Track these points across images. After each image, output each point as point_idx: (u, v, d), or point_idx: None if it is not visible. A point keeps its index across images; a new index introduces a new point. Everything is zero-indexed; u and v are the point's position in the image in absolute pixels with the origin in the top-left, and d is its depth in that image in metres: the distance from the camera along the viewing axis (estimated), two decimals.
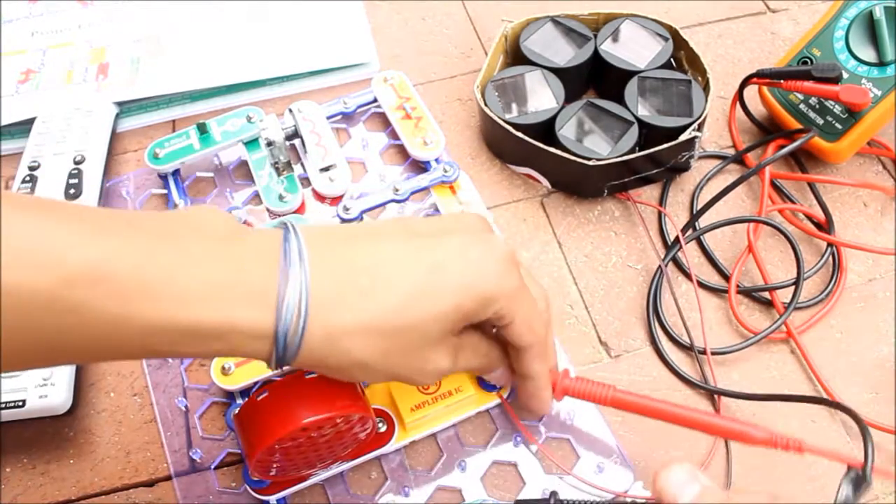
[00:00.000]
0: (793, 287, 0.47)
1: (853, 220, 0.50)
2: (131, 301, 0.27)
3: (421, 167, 0.52)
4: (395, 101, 0.54)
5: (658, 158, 0.49)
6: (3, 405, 0.41)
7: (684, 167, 0.51)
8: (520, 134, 0.49)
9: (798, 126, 0.51)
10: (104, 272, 0.26)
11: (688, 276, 0.48)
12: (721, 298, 0.48)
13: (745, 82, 0.52)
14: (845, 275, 0.48)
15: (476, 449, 0.42)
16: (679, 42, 0.53)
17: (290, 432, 0.33)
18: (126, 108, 0.56)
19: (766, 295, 0.47)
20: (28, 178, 0.50)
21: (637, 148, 0.49)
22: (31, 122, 0.53)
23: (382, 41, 0.59)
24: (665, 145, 0.48)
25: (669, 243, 0.49)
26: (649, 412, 0.38)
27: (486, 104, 0.51)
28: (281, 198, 0.49)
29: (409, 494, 0.41)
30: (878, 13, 0.48)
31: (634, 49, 0.52)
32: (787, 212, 0.50)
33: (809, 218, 0.50)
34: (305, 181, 0.51)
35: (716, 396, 0.44)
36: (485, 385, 0.43)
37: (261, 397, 0.34)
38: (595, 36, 0.53)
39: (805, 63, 0.50)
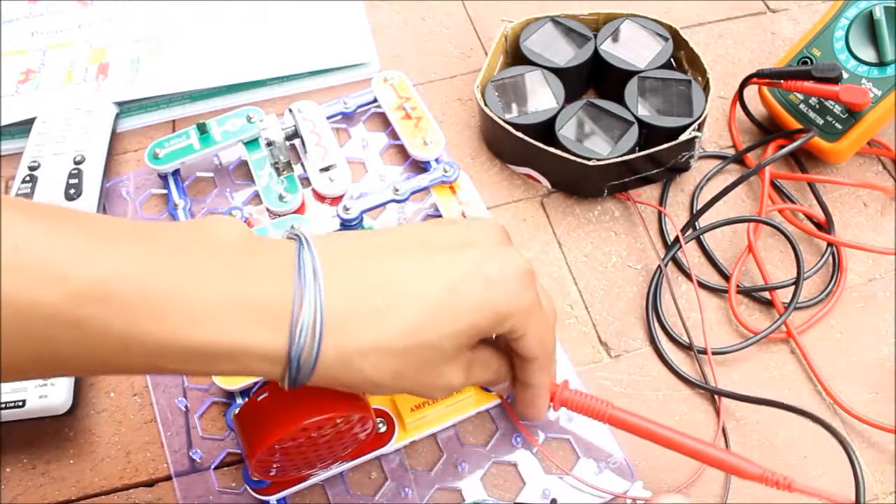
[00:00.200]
0: (793, 287, 0.47)
1: (853, 220, 0.50)
2: (138, 319, 0.26)
3: (421, 167, 0.52)
4: (395, 101, 0.54)
5: (658, 158, 0.49)
6: (3, 405, 0.41)
7: (684, 167, 0.51)
8: (520, 134, 0.49)
9: (798, 126, 0.51)
10: (111, 288, 0.26)
11: (688, 276, 0.48)
12: (721, 298, 0.48)
13: (745, 82, 0.52)
14: (845, 275, 0.48)
15: (476, 449, 0.42)
16: (679, 42, 0.53)
17: (290, 432, 0.33)
18: (126, 108, 0.56)
19: (766, 295, 0.47)
20: (28, 178, 0.50)
21: (637, 148, 0.49)
22: (31, 122, 0.53)
23: (382, 41, 0.59)
24: (665, 145, 0.48)
25: (669, 243, 0.49)
26: (643, 433, 0.38)
27: (486, 104, 0.51)
28: (281, 198, 0.49)
29: (409, 494, 0.41)
30: (878, 13, 0.48)
31: (634, 49, 0.52)
32: (787, 212, 0.50)
33: (809, 218, 0.50)
34: (305, 181, 0.51)
35: (716, 397, 0.44)
36: (484, 386, 0.43)
37: (261, 397, 0.34)
38: (595, 36, 0.53)
39: (805, 63, 0.50)
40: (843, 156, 0.50)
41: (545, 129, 0.50)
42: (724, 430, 0.43)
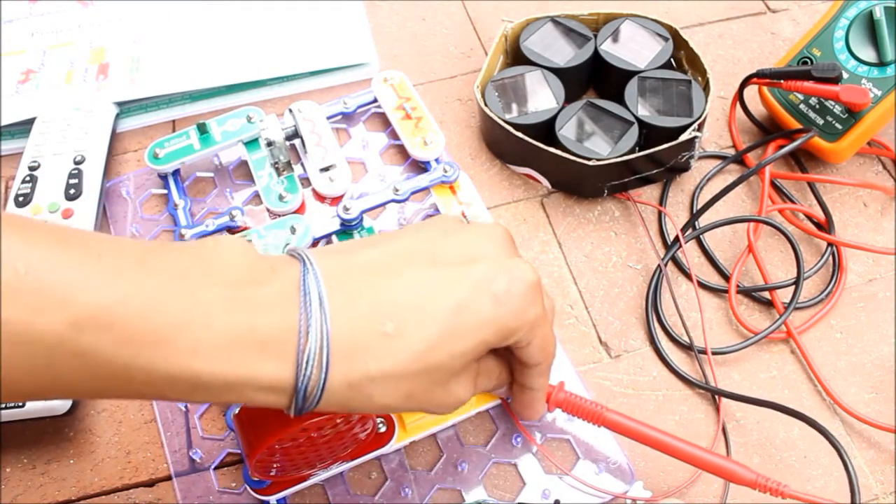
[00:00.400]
0: (793, 287, 0.47)
1: (853, 220, 0.50)
2: (141, 349, 0.26)
3: (421, 167, 0.52)
4: (395, 101, 0.54)
5: (658, 158, 0.49)
6: (3, 405, 0.41)
7: (684, 167, 0.51)
8: (520, 134, 0.49)
9: (798, 126, 0.51)
10: (114, 317, 0.25)
11: (688, 276, 0.48)
12: (721, 298, 0.48)
13: (745, 82, 0.52)
14: (845, 275, 0.48)
15: (476, 449, 0.42)
16: (679, 42, 0.53)
17: (291, 432, 0.33)
18: (126, 108, 0.56)
19: (766, 295, 0.47)
20: (28, 178, 0.50)
21: (637, 148, 0.49)
22: (31, 122, 0.53)
23: (382, 41, 0.59)
24: (665, 145, 0.48)
25: (669, 243, 0.49)
26: (637, 437, 0.38)
27: (486, 104, 0.51)
28: (281, 198, 0.49)
29: (409, 494, 0.41)
30: (878, 13, 0.48)
31: (634, 49, 0.52)
32: (787, 212, 0.50)
33: (809, 218, 0.50)
34: (305, 181, 0.51)
35: (716, 397, 0.44)
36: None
37: None
38: (595, 36, 0.53)
39: (805, 63, 0.50)
40: (843, 156, 0.50)
41: (545, 129, 0.50)
42: (724, 431, 0.43)
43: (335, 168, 0.50)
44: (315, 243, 0.47)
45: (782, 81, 0.49)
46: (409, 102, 0.53)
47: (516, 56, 0.54)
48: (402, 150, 0.53)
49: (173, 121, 0.56)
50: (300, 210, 0.49)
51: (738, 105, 0.54)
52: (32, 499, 0.42)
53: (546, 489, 0.41)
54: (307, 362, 0.28)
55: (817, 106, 0.50)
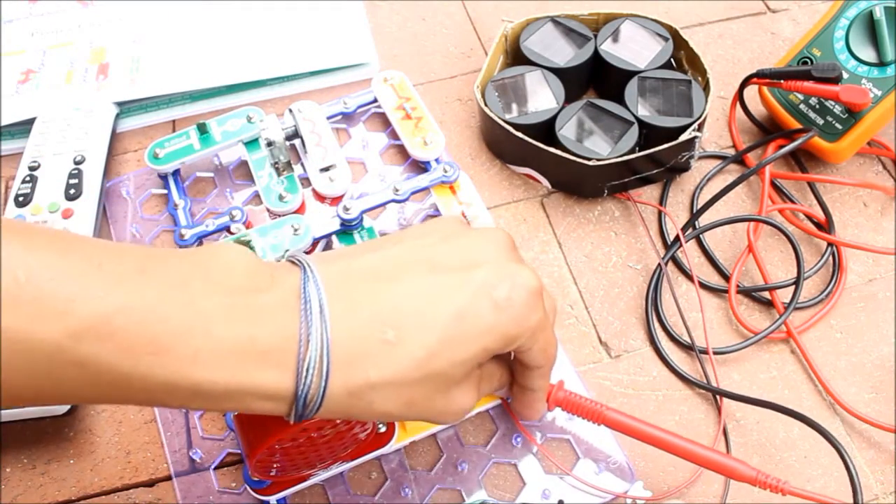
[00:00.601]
0: (793, 287, 0.47)
1: (853, 220, 0.50)
2: (141, 358, 0.26)
3: (421, 167, 0.52)
4: (395, 101, 0.54)
5: (658, 158, 0.49)
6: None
7: (684, 167, 0.51)
8: (520, 134, 0.49)
9: (798, 126, 0.51)
10: (114, 327, 0.25)
11: (688, 275, 0.48)
12: (721, 298, 0.48)
13: (745, 82, 0.52)
14: (845, 275, 0.48)
15: (476, 449, 0.42)
16: (679, 42, 0.53)
17: (290, 433, 0.33)
18: (126, 108, 0.56)
19: (766, 295, 0.47)
20: (28, 178, 0.50)
21: (637, 148, 0.49)
22: (31, 122, 0.53)
23: (382, 41, 0.59)
24: (665, 145, 0.48)
25: (669, 243, 0.49)
26: (637, 435, 0.38)
27: (486, 104, 0.51)
28: (281, 198, 0.49)
29: (409, 494, 0.41)
30: (878, 13, 0.48)
31: (634, 49, 0.52)
32: (788, 211, 0.50)
33: (809, 218, 0.50)
34: (305, 181, 0.51)
35: (717, 397, 0.44)
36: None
37: None
38: (595, 36, 0.53)
39: (805, 63, 0.50)
40: (843, 156, 0.50)
41: (545, 129, 0.50)
42: (724, 430, 0.43)
43: (335, 168, 0.50)
44: (315, 243, 0.47)
45: (782, 81, 0.49)
46: (409, 102, 0.53)
47: (516, 56, 0.54)
48: (402, 150, 0.53)
49: (173, 121, 0.56)
50: (300, 210, 0.49)
51: (738, 105, 0.54)
52: (32, 499, 0.42)
53: (546, 489, 0.41)
54: (307, 371, 0.28)
55: (817, 106, 0.50)
